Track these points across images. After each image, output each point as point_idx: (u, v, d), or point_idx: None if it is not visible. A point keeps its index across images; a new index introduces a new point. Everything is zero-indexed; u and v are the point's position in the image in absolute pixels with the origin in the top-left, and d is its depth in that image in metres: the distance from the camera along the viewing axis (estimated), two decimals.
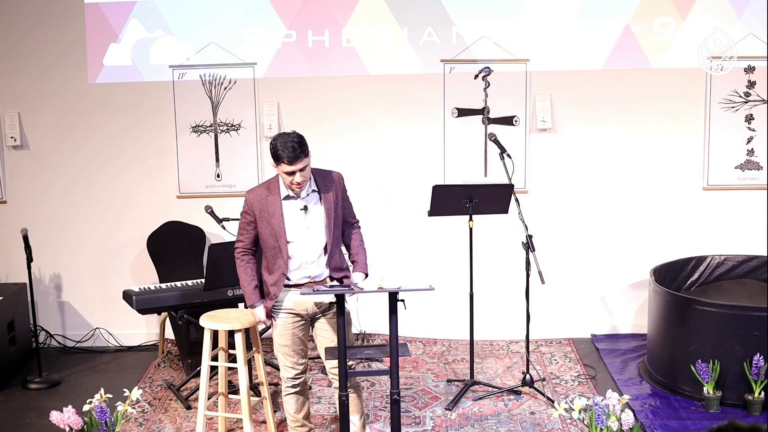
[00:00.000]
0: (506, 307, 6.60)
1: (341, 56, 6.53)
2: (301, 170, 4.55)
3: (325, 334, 4.80)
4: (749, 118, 6.52)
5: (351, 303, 4.91)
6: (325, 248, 4.72)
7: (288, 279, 4.71)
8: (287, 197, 4.66)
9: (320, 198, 4.71)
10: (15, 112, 6.64)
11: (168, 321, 6.50)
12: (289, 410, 4.89)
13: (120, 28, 6.53)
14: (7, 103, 6.65)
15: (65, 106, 6.65)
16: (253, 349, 5.17)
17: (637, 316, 6.71)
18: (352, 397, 4.89)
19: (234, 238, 5.88)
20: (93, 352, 6.72)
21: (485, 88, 6.53)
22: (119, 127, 6.66)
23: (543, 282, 5.42)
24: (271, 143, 4.59)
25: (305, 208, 4.67)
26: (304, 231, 4.68)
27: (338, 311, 4.53)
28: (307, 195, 4.68)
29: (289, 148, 4.51)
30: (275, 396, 5.79)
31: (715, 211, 6.61)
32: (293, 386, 4.84)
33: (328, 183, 4.74)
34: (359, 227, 4.92)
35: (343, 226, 4.84)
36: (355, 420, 4.90)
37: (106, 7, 6.51)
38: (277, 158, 4.55)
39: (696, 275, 6.36)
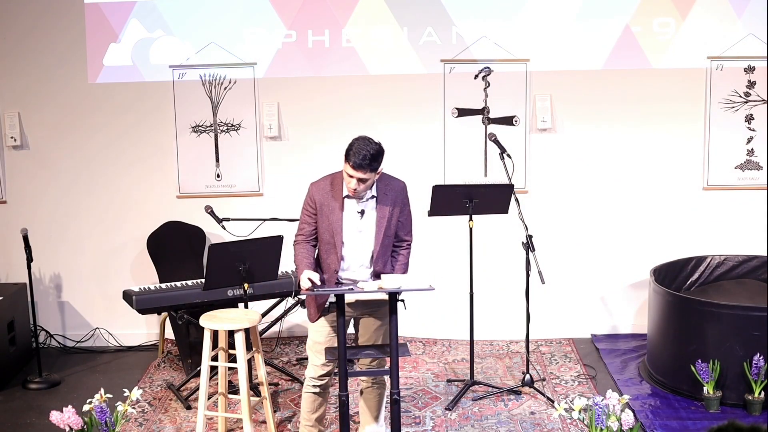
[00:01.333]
0: (506, 307, 6.60)
1: (341, 56, 6.53)
2: (360, 180, 4.49)
3: (366, 332, 4.78)
4: (749, 118, 6.52)
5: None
6: (372, 257, 4.67)
7: (339, 278, 4.67)
8: (348, 196, 4.62)
9: (376, 205, 4.65)
10: (15, 112, 6.64)
11: (168, 321, 6.50)
12: (305, 408, 4.87)
13: (120, 28, 6.53)
14: (7, 103, 6.65)
15: (65, 106, 6.65)
16: (253, 349, 5.17)
17: (637, 316, 6.71)
18: (374, 394, 4.92)
19: (233, 238, 5.92)
20: (93, 352, 6.72)
21: (485, 88, 6.53)
22: (119, 127, 6.66)
23: (543, 282, 5.42)
24: (353, 140, 4.53)
25: (362, 212, 4.62)
26: (357, 234, 4.64)
27: (338, 311, 4.53)
28: (366, 200, 4.63)
29: (360, 156, 4.44)
30: (275, 396, 5.79)
31: (715, 211, 6.61)
32: (315, 386, 4.81)
33: (388, 191, 4.67)
34: (409, 247, 4.80)
35: (395, 242, 4.75)
36: (367, 418, 4.93)
37: (106, 7, 6.51)
38: (346, 155, 4.50)
39: (696, 275, 6.36)
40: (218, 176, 6.69)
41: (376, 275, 4.68)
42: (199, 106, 6.62)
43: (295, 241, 4.75)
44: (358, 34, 6.51)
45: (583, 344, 6.62)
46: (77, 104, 6.64)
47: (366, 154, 4.45)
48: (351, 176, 4.50)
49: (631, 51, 6.47)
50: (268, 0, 6.49)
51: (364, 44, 6.52)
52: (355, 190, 4.53)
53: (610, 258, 6.69)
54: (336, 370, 4.69)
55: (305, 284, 4.55)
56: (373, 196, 4.64)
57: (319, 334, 4.76)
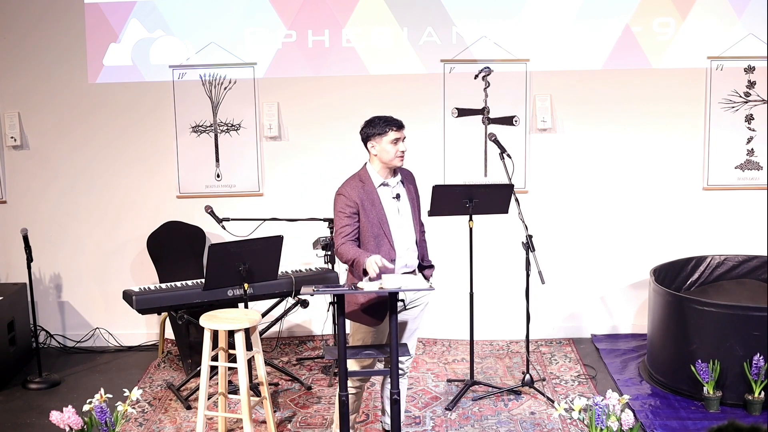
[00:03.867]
0: (506, 307, 6.60)
1: (341, 56, 6.53)
2: (404, 139, 4.69)
3: (401, 326, 4.80)
4: (749, 118, 6.52)
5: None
6: (415, 238, 4.77)
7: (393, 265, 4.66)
8: (381, 185, 4.71)
9: (404, 187, 4.79)
10: (15, 112, 6.64)
11: (168, 321, 6.50)
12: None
13: (120, 28, 6.53)
14: (7, 103, 6.65)
15: (65, 106, 6.65)
16: (253, 349, 5.17)
17: (637, 316, 6.71)
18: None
19: (233, 238, 5.91)
20: (93, 352, 6.72)
21: (485, 88, 6.53)
22: (119, 127, 6.67)
23: (543, 282, 5.42)
24: (366, 126, 4.68)
25: (398, 196, 4.72)
26: (398, 218, 4.72)
27: (338, 311, 4.53)
28: (396, 184, 4.75)
29: (392, 118, 4.67)
30: (275, 396, 5.79)
31: (715, 211, 6.61)
32: (352, 386, 4.81)
33: (405, 174, 4.84)
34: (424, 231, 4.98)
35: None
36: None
37: (106, 7, 6.51)
38: (381, 133, 4.63)
39: (696, 275, 6.36)
40: (218, 176, 6.69)
41: (421, 260, 4.80)
42: (199, 106, 6.62)
43: (341, 244, 4.63)
44: (358, 34, 6.51)
45: (583, 344, 6.62)
46: (77, 104, 6.64)
47: (391, 117, 4.69)
48: (397, 139, 4.65)
49: (631, 51, 6.47)
50: (268, 0, 6.49)
51: (364, 44, 6.52)
52: (404, 152, 4.69)
53: (610, 258, 6.69)
54: (379, 367, 4.82)
55: (374, 269, 4.45)
56: (401, 179, 4.79)
57: (359, 333, 4.75)
